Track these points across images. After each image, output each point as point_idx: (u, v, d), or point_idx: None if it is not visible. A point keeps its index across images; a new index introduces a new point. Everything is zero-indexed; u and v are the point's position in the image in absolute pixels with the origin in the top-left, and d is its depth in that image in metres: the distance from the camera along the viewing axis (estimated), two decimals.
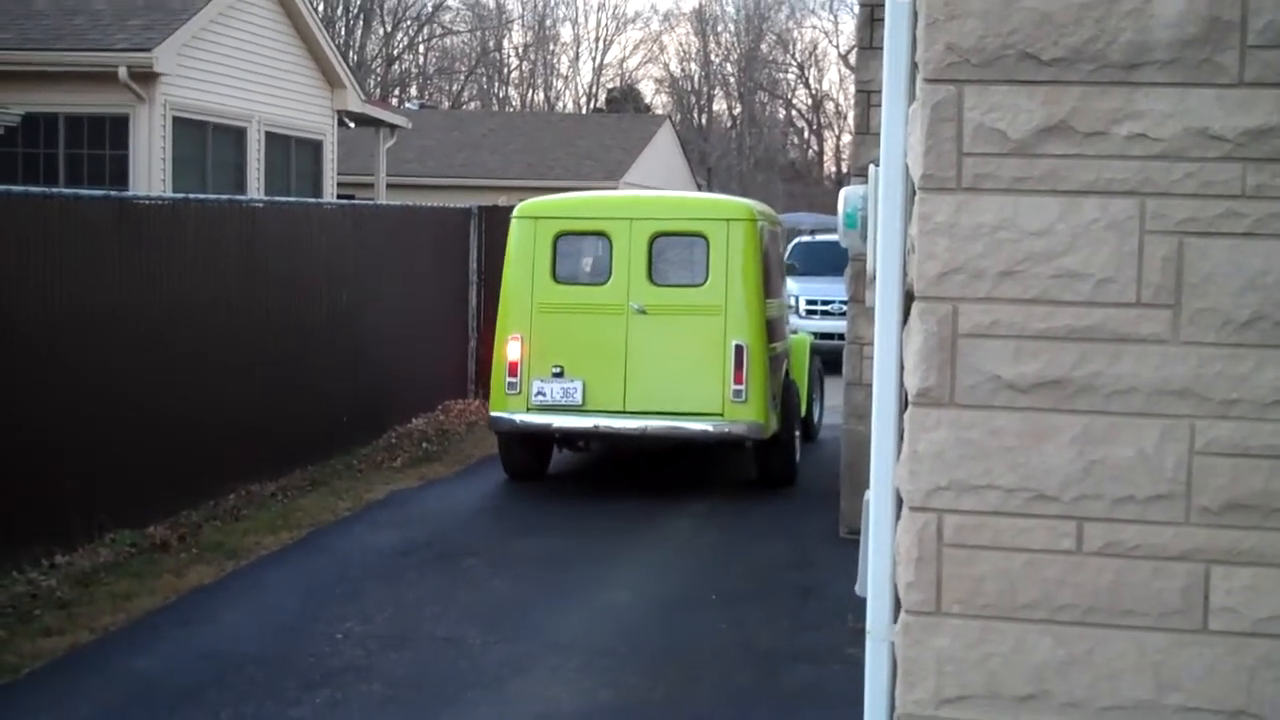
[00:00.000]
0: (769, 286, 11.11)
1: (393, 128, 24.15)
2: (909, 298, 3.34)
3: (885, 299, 3.38)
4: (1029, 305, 3.20)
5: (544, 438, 11.26)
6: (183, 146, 17.36)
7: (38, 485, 8.43)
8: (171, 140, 17.02)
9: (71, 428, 8.79)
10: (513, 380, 10.75)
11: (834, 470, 10.55)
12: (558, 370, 10.67)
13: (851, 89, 11.71)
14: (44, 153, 16.74)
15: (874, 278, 3.43)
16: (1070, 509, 3.23)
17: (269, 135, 19.41)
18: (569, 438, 11.17)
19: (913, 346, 3.27)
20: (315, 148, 21.00)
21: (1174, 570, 3.20)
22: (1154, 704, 3.23)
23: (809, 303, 20.50)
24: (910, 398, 3.30)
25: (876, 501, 3.46)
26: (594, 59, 72.66)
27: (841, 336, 10.89)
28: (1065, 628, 3.26)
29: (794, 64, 65.62)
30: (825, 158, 64.50)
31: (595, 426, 10.61)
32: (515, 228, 11.11)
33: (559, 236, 10.98)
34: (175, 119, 17.11)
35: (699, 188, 42.94)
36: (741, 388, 10.37)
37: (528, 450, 11.48)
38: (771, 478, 11.31)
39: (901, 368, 3.36)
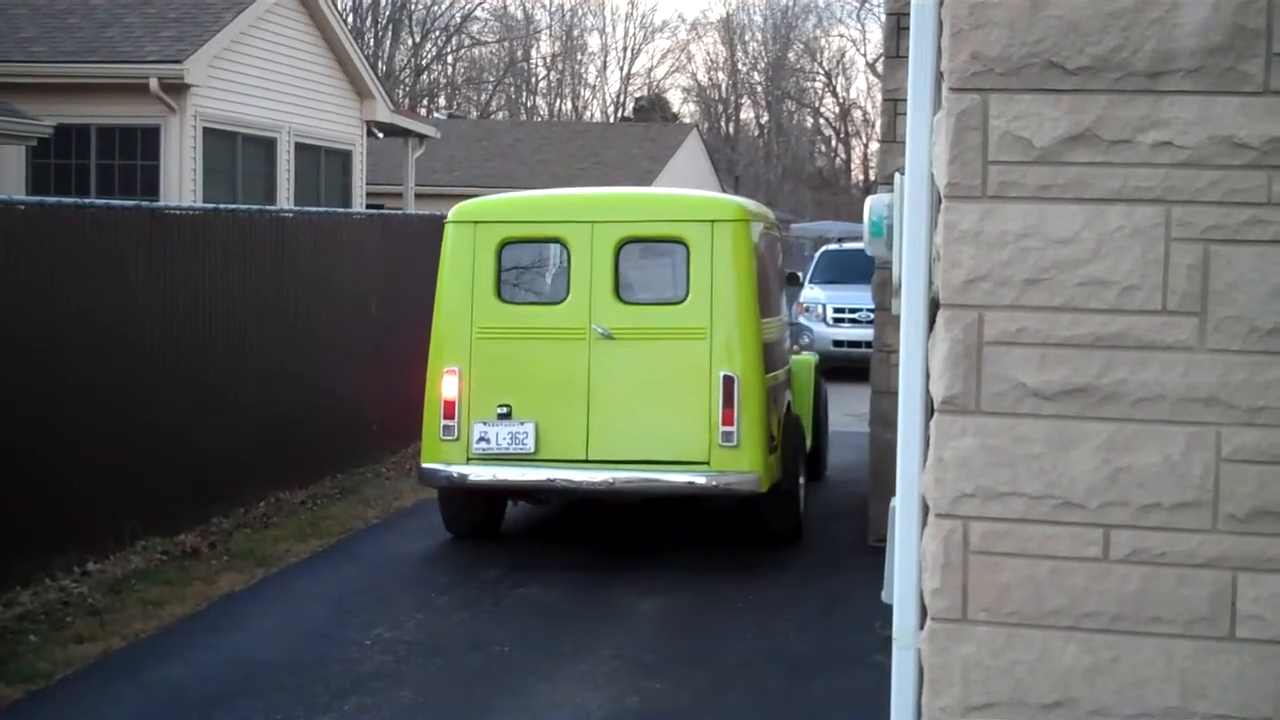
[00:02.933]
0: (766, 303, 9.15)
1: (421, 137, 24.25)
2: (934, 305, 3.35)
3: (911, 307, 3.40)
4: (1054, 313, 3.21)
5: (490, 494, 9.35)
6: (213, 157, 17.47)
7: (69, 493, 8.50)
8: (202, 151, 17.14)
9: (103, 436, 8.85)
10: (449, 424, 8.77)
11: (848, 517, 10.46)
12: (504, 410, 8.69)
13: (879, 97, 11.83)
14: (76, 163, 16.89)
15: (899, 286, 3.45)
16: (1096, 516, 3.23)
17: (299, 146, 19.52)
18: (519, 494, 9.32)
19: (938, 354, 3.29)
20: (344, 158, 21.10)
21: (1201, 577, 3.20)
22: (1181, 711, 3.23)
23: (836, 311, 20.50)
24: (936, 405, 3.31)
25: (902, 509, 3.47)
26: (621, 68, 72.87)
27: (868, 345, 10.88)
28: (1092, 635, 3.26)
29: (821, 72, 65.60)
30: (853, 166, 64.44)
31: (550, 480, 8.65)
32: (450, 235, 9.05)
33: (504, 245, 8.95)
34: (206, 130, 17.23)
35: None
36: (732, 430, 8.44)
37: (474, 505, 9.49)
38: (771, 535, 9.42)
39: (927, 375, 3.37)
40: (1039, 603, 3.28)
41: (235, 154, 18.15)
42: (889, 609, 3.56)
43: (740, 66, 65.41)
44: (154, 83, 16.30)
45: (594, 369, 8.66)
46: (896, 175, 3.54)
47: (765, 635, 7.40)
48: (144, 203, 10.42)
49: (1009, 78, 3.18)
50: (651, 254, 8.98)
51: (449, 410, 8.74)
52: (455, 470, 8.78)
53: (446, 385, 8.77)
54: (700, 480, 8.50)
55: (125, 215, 9.33)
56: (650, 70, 76.01)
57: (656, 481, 8.56)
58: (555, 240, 8.95)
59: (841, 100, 66.00)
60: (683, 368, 8.57)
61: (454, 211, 9.19)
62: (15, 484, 8.07)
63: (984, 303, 3.24)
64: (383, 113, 21.71)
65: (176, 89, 16.58)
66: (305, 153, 19.78)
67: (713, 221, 8.75)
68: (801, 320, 20.80)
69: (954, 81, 3.21)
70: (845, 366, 19.50)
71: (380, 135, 23.58)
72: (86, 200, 9.72)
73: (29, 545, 8.11)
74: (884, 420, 9.09)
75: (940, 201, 3.29)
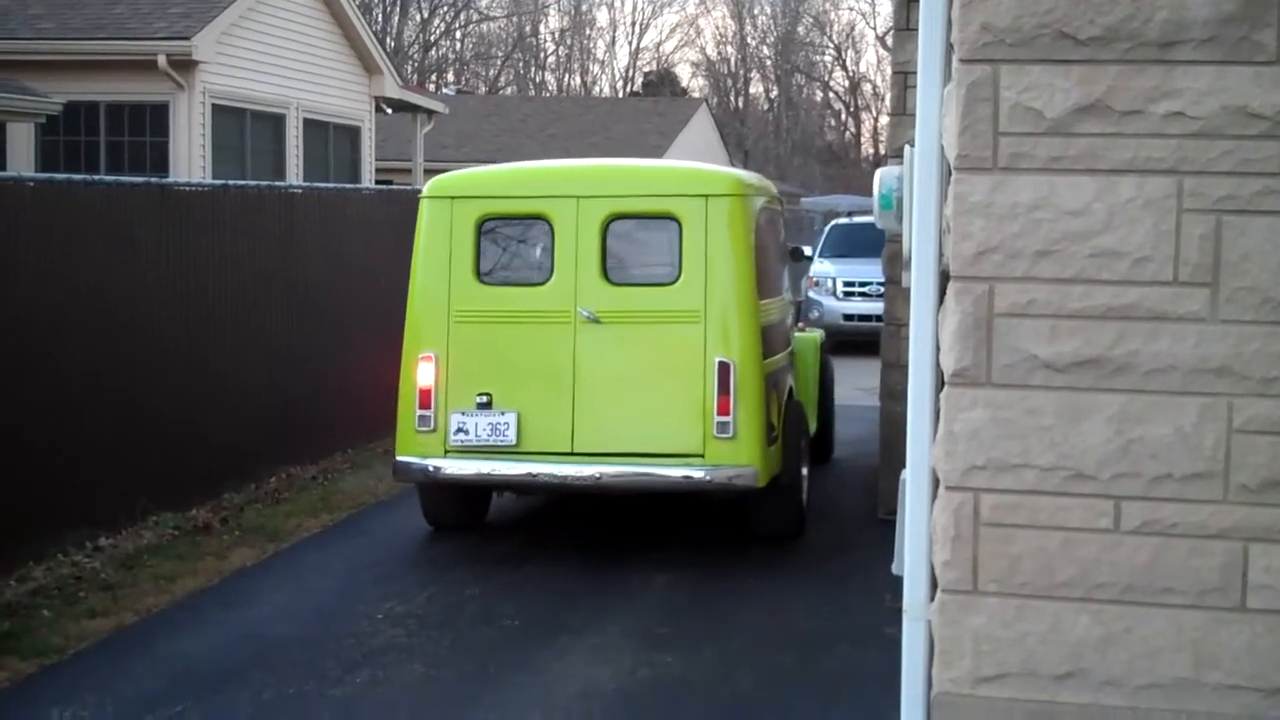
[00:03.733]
0: (765, 282, 8.61)
1: (430, 113, 24.23)
2: (945, 278, 3.35)
3: (921, 279, 3.39)
4: (1066, 284, 3.21)
5: (470, 489, 8.86)
6: (222, 134, 17.47)
7: (82, 469, 8.53)
8: (211, 127, 17.13)
9: (114, 412, 8.87)
10: (425, 413, 8.21)
11: (859, 492, 10.45)
12: (484, 400, 8.15)
13: (889, 70, 11.72)
14: (85, 140, 16.89)
15: (910, 258, 3.44)
16: (1108, 488, 3.24)
17: (307, 122, 19.51)
18: (501, 488, 8.82)
19: (949, 326, 3.28)
20: (353, 134, 21.08)
21: (1212, 548, 3.21)
22: (1193, 682, 3.24)
23: (846, 284, 20.49)
24: (946, 377, 3.31)
25: (913, 481, 3.47)
26: (630, 43, 72.64)
27: (879, 318, 10.86)
28: (1103, 606, 3.27)
29: (831, 46, 65.37)
30: (863, 140, 64.27)
31: (533, 475, 8.09)
32: (426, 211, 8.45)
33: (483, 222, 8.37)
34: (214, 106, 17.22)
35: None
36: (728, 420, 7.92)
37: (456, 497, 9.04)
38: (770, 532, 8.78)
39: (937, 348, 3.37)
40: (1050, 574, 3.29)
41: (244, 130, 18.14)
42: (899, 582, 3.57)
43: (749, 40, 65.24)
44: (162, 59, 16.30)
45: (580, 355, 8.13)
46: (906, 147, 3.53)
47: (776, 610, 7.42)
48: (153, 179, 10.43)
49: (1019, 49, 3.17)
50: (642, 231, 8.36)
51: (425, 399, 8.23)
52: (431, 464, 8.22)
53: (422, 372, 8.24)
54: (694, 474, 7.93)
55: (134, 192, 9.33)
56: (659, 45, 75.94)
57: (647, 476, 8.01)
58: (538, 216, 8.33)
59: (851, 74, 65.80)
60: (675, 354, 8.03)
61: (429, 185, 8.59)
62: (28, 460, 8.10)
63: (995, 275, 3.23)
64: (391, 88, 21.68)
65: (185, 65, 16.56)
66: (314, 129, 19.77)
67: (707, 196, 8.15)
68: (811, 294, 20.79)
69: (964, 53, 3.20)
70: (856, 340, 19.51)
71: (389, 111, 23.56)
72: (96, 177, 9.72)
73: (42, 521, 8.14)
74: (894, 394, 9.08)
75: (950, 174, 3.28)
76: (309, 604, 7.65)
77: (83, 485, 8.52)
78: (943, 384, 3.33)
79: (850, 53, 67.36)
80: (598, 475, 8.01)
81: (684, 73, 65.88)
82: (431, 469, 8.25)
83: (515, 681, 6.36)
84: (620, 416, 8.06)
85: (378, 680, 6.35)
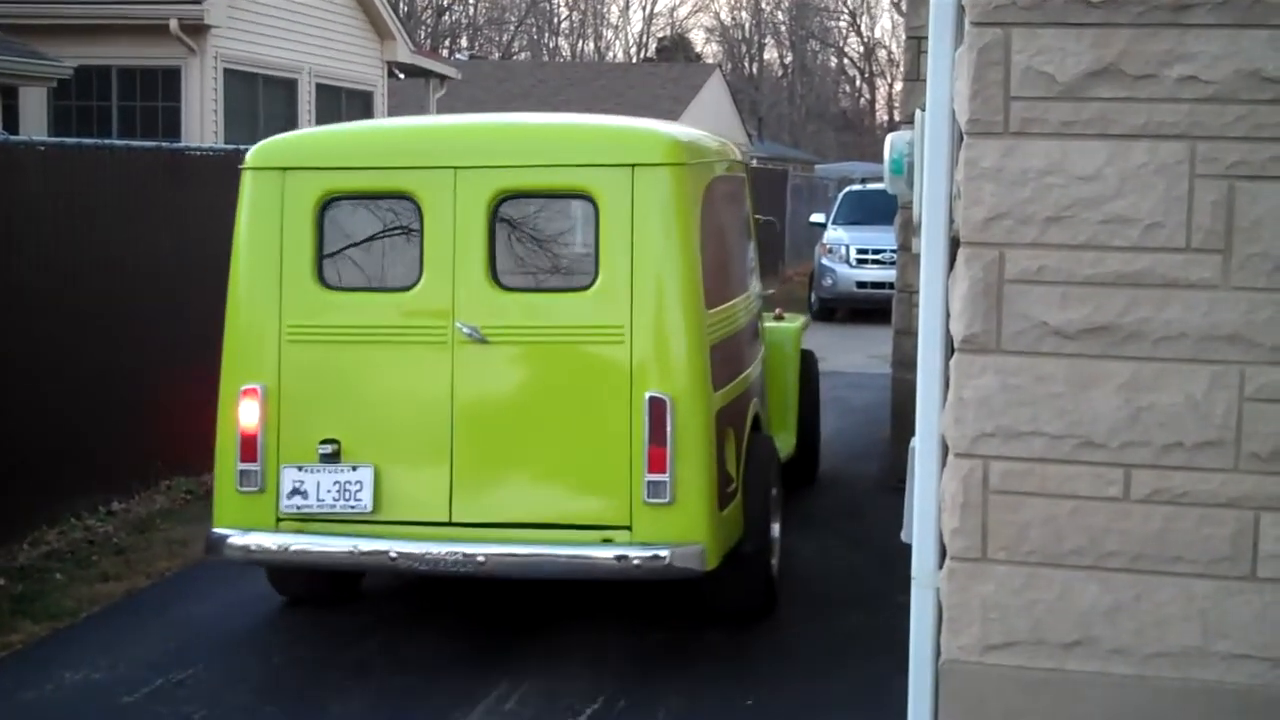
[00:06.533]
0: (722, 281, 6.54)
1: (443, 78, 24.17)
2: (955, 244, 3.33)
3: (931, 245, 3.37)
4: (1077, 251, 3.19)
5: (305, 572, 6.70)
6: (234, 98, 17.45)
7: (95, 433, 8.55)
8: (223, 92, 17.11)
9: (127, 376, 8.89)
10: (248, 468, 6.04)
11: (870, 459, 10.38)
12: (329, 449, 5.99)
13: (903, 36, 11.68)
14: (97, 105, 16.88)
15: (920, 224, 3.42)
16: (1117, 456, 3.22)
17: (320, 87, 19.47)
18: (353, 572, 6.68)
19: (958, 292, 3.26)
20: (366, 99, 21.04)
21: (1222, 517, 3.19)
22: (1202, 650, 3.23)
23: (859, 252, 20.45)
24: (956, 344, 3.29)
25: (922, 448, 3.46)
26: (644, 8, 72.45)
27: (892, 285, 10.84)
28: (1112, 574, 3.26)
29: (845, 11, 65.07)
30: (877, 106, 64.06)
31: (393, 555, 5.90)
32: (248, 188, 6.23)
33: (326, 203, 6.14)
34: (226, 71, 17.19)
35: (749, 138, 42.74)
36: (664, 479, 5.79)
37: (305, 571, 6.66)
38: (729, 610, 6.61)
39: (947, 314, 3.35)
40: (1059, 542, 3.28)
41: (256, 95, 18.12)
42: (909, 550, 3.56)
43: (764, 6, 64.97)
44: (174, 23, 16.26)
45: (459, 387, 5.96)
46: (917, 112, 3.50)
47: (786, 576, 7.42)
48: (164, 144, 10.42)
49: (1031, 11, 3.14)
50: (543, 215, 6.17)
51: (248, 448, 6.03)
52: (255, 541, 6.00)
53: (244, 412, 6.05)
54: (615, 555, 5.78)
55: (145, 156, 9.32)
56: (673, 10, 75.67)
57: (550, 558, 5.85)
58: (401, 194, 6.10)
59: (866, 40, 65.55)
60: (590, 387, 5.91)
61: (253, 152, 6.32)
62: (41, 425, 8.12)
63: (1005, 241, 3.21)
64: (404, 53, 21.63)
65: (196, 30, 16.52)
66: (326, 94, 19.73)
67: (633, 166, 5.90)
68: (824, 261, 20.77)
69: (976, 15, 3.17)
70: (869, 308, 19.50)
71: (401, 76, 23.51)
72: (106, 141, 9.71)
73: (55, 486, 8.17)
74: (905, 362, 9.06)
75: (961, 138, 3.25)
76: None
77: (96, 450, 8.54)
78: (952, 351, 3.32)
79: (865, 18, 67.14)
80: (480, 558, 5.82)
81: (698, 38, 65.81)
82: (255, 547, 6.02)
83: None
84: (515, 474, 5.96)
85: (390, 647, 6.36)
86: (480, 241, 5.99)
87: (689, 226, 5.98)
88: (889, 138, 3.74)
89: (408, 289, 6.07)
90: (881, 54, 64.06)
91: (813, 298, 21.17)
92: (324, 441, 6.00)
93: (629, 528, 5.84)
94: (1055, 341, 3.22)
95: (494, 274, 6.00)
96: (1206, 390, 3.16)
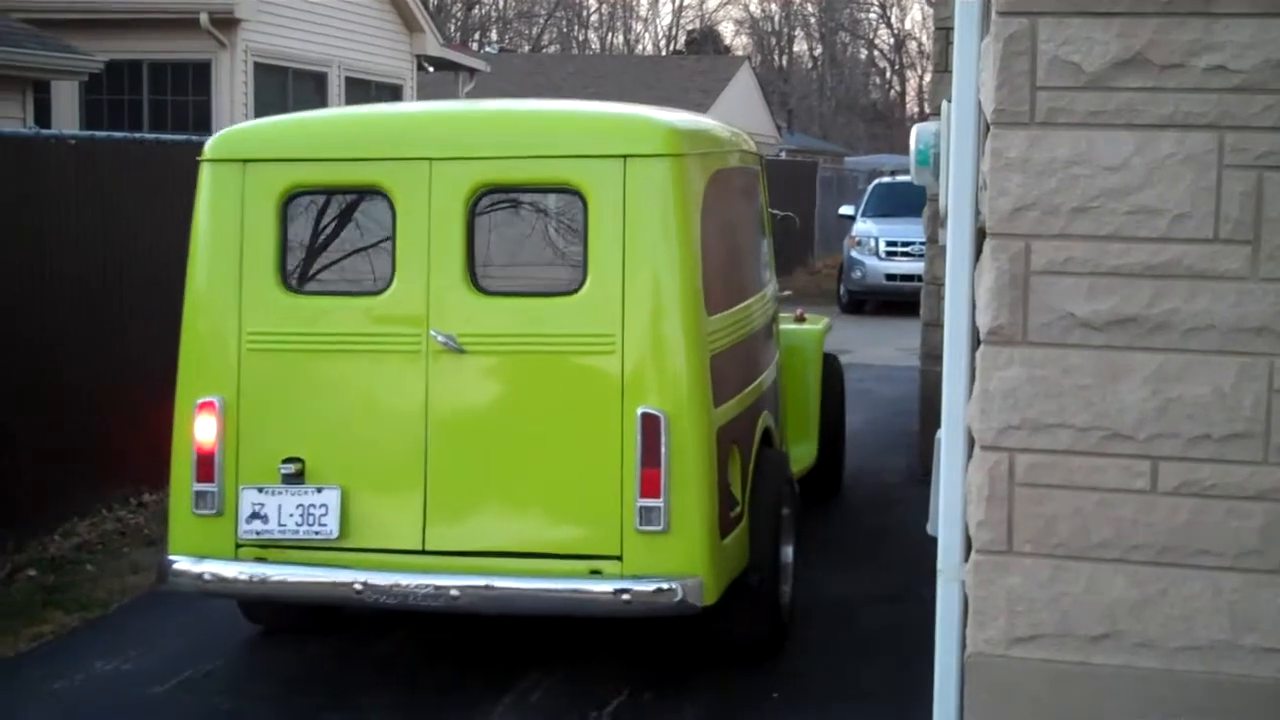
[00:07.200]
0: (729, 283, 6.06)
1: (472, 72, 24.22)
2: (981, 235, 3.31)
3: (957, 236, 3.36)
4: (1103, 242, 3.17)
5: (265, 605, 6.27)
6: (264, 92, 17.50)
7: (127, 425, 8.60)
8: (253, 86, 17.17)
9: (156, 369, 8.93)
10: (205, 489, 5.56)
11: (899, 451, 10.35)
12: (292, 469, 5.51)
13: (933, 27, 11.61)
14: (129, 99, 16.97)
15: (946, 215, 3.41)
16: (1144, 448, 3.20)
17: (349, 80, 19.52)
18: (315, 605, 6.22)
19: (984, 284, 3.25)
20: (395, 92, 21.08)
21: (1251, 510, 3.17)
22: (1230, 644, 3.21)
23: (889, 244, 20.41)
24: (982, 336, 3.28)
25: (948, 441, 3.45)
26: (674, 1, 72.22)
27: (921, 278, 10.80)
28: (1139, 567, 3.24)
29: (876, 3, 64.83)
30: (908, 98, 63.79)
31: (359, 586, 5.38)
32: (206, 181, 5.77)
33: (290, 198, 5.67)
34: (256, 65, 17.25)
35: (778, 130, 42.66)
36: (658, 504, 5.28)
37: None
38: (734, 643, 6.08)
39: (973, 306, 3.34)
40: (1085, 535, 3.26)
41: (286, 89, 18.18)
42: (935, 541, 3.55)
43: None
44: (204, 17, 16.33)
45: (434, 401, 5.47)
46: (944, 102, 3.49)
47: (812, 568, 7.41)
48: (194, 137, 10.45)
49: (1058, 1, 3.12)
50: (526, 212, 5.72)
51: (204, 467, 5.57)
52: (209, 570, 5.52)
53: (200, 427, 5.58)
54: (605, 589, 5.27)
55: (176, 150, 9.36)
56: (702, 3, 75.51)
57: (531, 593, 5.34)
58: (372, 189, 5.62)
59: (896, 31, 65.30)
60: (578, 402, 5.41)
61: (212, 143, 5.85)
62: (73, 416, 8.18)
63: (1031, 231, 3.20)
64: (433, 46, 21.66)
65: (227, 24, 16.59)
66: (356, 87, 19.78)
67: (625, 157, 5.40)
68: (854, 254, 20.72)
69: (1002, 5, 3.15)
70: (898, 300, 19.45)
71: (430, 69, 23.55)
72: (137, 135, 9.76)
73: (87, 477, 8.23)
74: (934, 354, 9.00)
75: (987, 129, 3.24)
76: None
77: (130, 441, 8.59)
78: (979, 342, 3.30)
79: (895, 10, 66.85)
80: (455, 590, 5.31)
81: (727, 31, 65.63)
82: (209, 577, 5.52)
83: None
84: (494, 498, 5.46)
85: (420, 636, 6.38)
86: (457, 241, 5.48)
87: (688, 224, 5.45)
88: (915, 129, 3.73)
89: (378, 293, 5.57)
90: (912, 46, 63.82)
91: (842, 290, 21.14)
92: (286, 460, 5.51)
93: (619, 557, 5.32)
94: (1082, 333, 3.20)
95: (472, 277, 5.49)
96: (1235, 382, 3.14)
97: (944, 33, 9.04)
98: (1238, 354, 3.13)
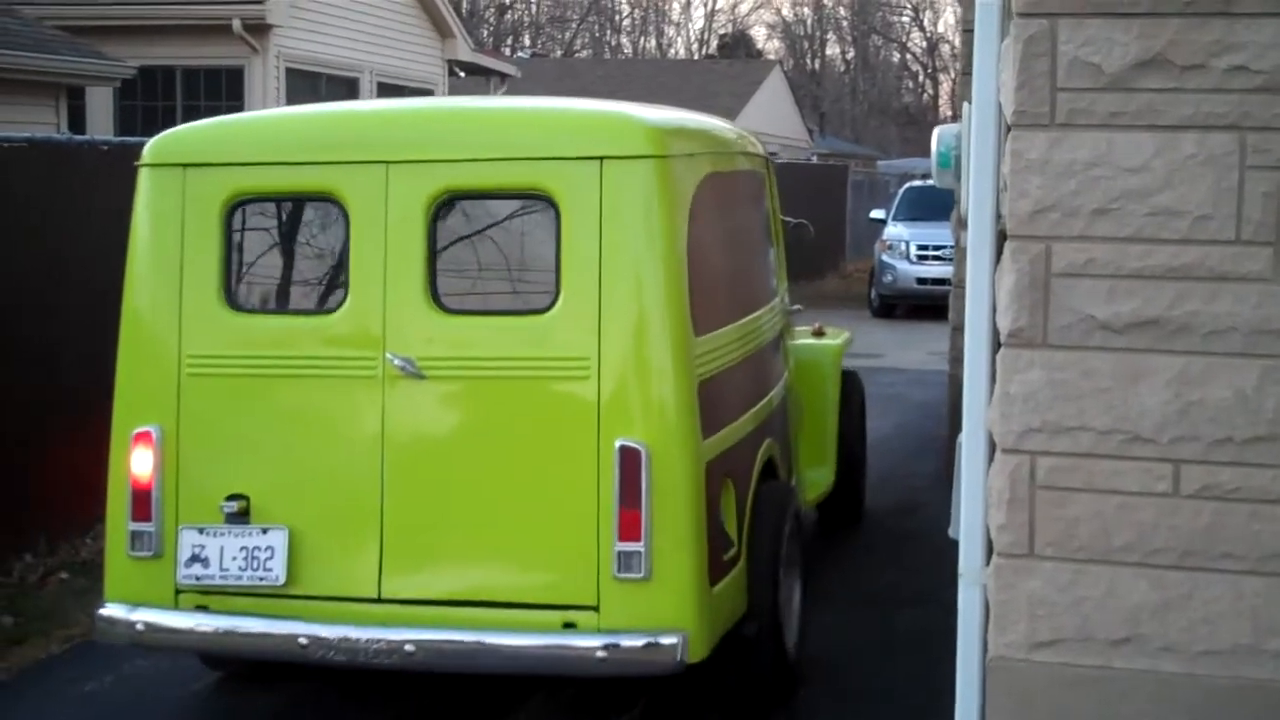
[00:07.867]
0: (720, 301, 5.44)
1: (504, 77, 24.28)
2: (1001, 237, 3.31)
3: (977, 238, 3.35)
4: (1124, 244, 3.15)
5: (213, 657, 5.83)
6: (296, 98, 17.58)
7: None
8: (285, 92, 17.28)
9: None
10: (141, 528, 5.08)
11: (926, 455, 10.33)
12: (235, 507, 5.00)
13: (961, 30, 11.56)
14: (162, 105, 17.09)
15: (966, 217, 3.40)
16: (1166, 451, 3.19)
17: (381, 86, 19.61)
18: (257, 660, 5.66)
19: (1005, 286, 3.24)
20: (427, 97, 21.18)
21: (1274, 513, 3.15)
22: (1253, 649, 3.19)
23: (920, 248, 20.39)
24: (1002, 338, 3.27)
25: (969, 444, 3.44)
26: (706, 4, 72.42)
27: (951, 282, 10.77)
28: (1161, 571, 3.22)
29: (908, 6, 64.70)
30: (940, 102, 63.61)
31: (304, 640, 4.88)
32: (144, 188, 5.26)
33: (234, 206, 5.16)
34: (289, 70, 17.37)
35: (810, 134, 42.59)
36: (638, 547, 4.72)
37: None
38: (729, 701, 5.60)
39: (994, 308, 3.33)
40: (1107, 538, 3.25)
41: (319, 95, 18.26)
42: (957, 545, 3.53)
43: (825, 1, 64.70)
44: (237, 23, 16.44)
45: (391, 432, 4.94)
46: (964, 104, 3.48)
47: (838, 569, 7.40)
48: None
49: (1078, 1, 3.11)
50: (493, 221, 5.12)
51: (141, 505, 5.09)
52: (145, 618, 5.03)
53: (136, 460, 5.12)
54: (578, 645, 4.74)
55: None
56: (734, 6, 75.42)
57: (494, 649, 4.81)
58: (323, 195, 5.10)
59: (929, 35, 65.14)
60: (549, 433, 4.86)
61: (150, 147, 5.32)
62: (104, 418, 8.22)
63: (1052, 234, 3.19)
64: (464, 52, 21.74)
65: (259, 29, 16.69)
66: (388, 93, 19.87)
67: (601, 159, 4.82)
68: (885, 258, 20.69)
69: (1021, 6, 3.15)
70: (929, 304, 19.40)
71: (462, 75, 23.63)
72: None
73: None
74: (962, 358, 8.98)
75: (1008, 130, 3.23)
76: None
77: None
78: (999, 345, 3.29)
79: (928, 13, 66.63)
80: (411, 645, 4.79)
81: (759, 34, 65.58)
82: (143, 627, 5.02)
83: None
84: (457, 540, 4.93)
85: None
86: (417, 253, 4.94)
87: (673, 233, 4.86)
88: (936, 131, 3.72)
89: (330, 311, 5.05)
90: (945, 49, 63.62)
91: (873, 294, 21.12)
92: (230, 498, 4.98)
93: (595, 608, 4.76)
94: (1103, 335, 3.19)
95: (433, 293, 4.95)
96: (1257, 385, 3.12)
97: (970, 35, 9.01)
98: (1260, 356, 3.11)
